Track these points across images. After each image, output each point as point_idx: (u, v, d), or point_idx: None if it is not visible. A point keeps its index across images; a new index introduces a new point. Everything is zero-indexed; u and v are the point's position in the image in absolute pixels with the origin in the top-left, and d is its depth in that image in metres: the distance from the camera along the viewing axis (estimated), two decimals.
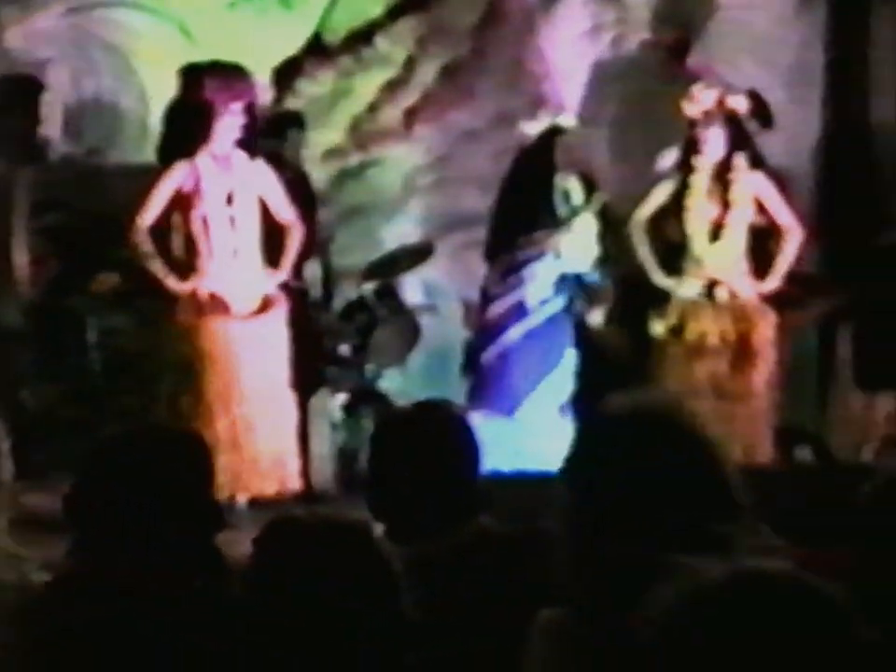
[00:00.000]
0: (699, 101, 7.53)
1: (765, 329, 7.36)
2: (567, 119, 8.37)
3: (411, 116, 9.25)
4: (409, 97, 9.25)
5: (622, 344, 7.84)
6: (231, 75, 7.08)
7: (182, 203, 6.97)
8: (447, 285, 9.06)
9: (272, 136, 7.81)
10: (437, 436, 3.10)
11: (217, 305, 6.94)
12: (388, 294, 8.45)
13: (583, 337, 7.98)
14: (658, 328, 7.41)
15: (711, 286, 7.39)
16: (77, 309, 7.73)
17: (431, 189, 9.27)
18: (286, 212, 7.18)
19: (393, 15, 9.24)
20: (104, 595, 2.56)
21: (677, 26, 9.04)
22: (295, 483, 7.06)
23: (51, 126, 8.52)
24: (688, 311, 7.39)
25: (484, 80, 9.24)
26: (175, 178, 6.94)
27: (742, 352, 7.33)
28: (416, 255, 8.69)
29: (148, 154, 7.81)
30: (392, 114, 9.25)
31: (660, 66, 8.86)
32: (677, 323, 7.39)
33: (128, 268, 7.55)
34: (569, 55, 9.17)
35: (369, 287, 8.38)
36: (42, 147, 8.32)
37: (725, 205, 7.42)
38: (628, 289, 7.85)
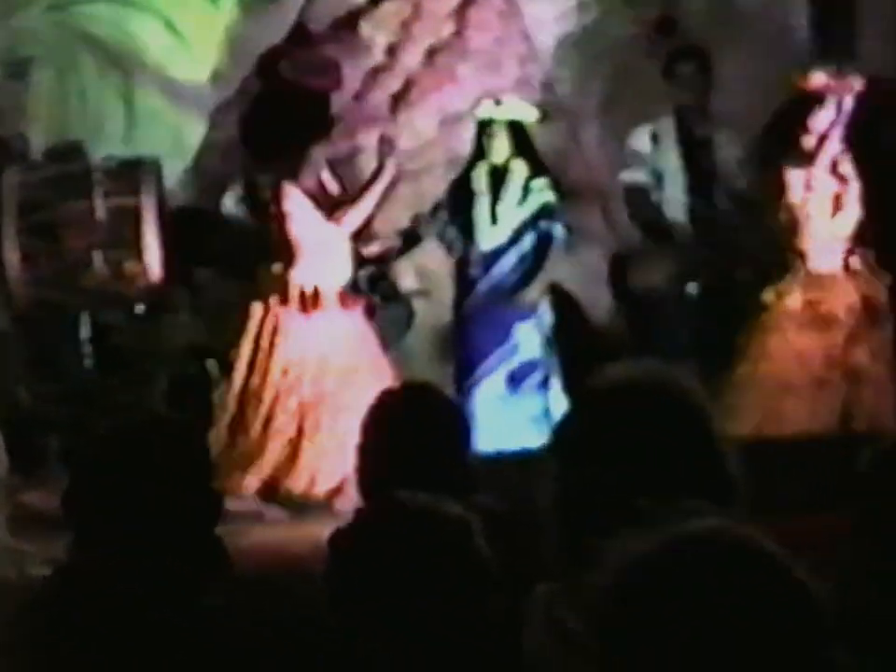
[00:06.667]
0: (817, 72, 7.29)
1: (882, 297, 7.27)
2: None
3: (396, 101, 9.23)
4: (394, 82, 9.23)
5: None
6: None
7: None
8: (439, 268, 9.04)
9: None
10: (426, 416, 3.11)
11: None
12: (382, 280, 8.45)
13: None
14: (769, 295, 7.29)
15: (842, 257, 7.26)
16: (70, 305, 7.72)
17: (420, 174, 9.24)
18: None
19: (375, 1, 9.22)
20: (105, 588, 2.55)
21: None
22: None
23: (36, 124, 8.51)
24: (810, 282, 7.26)
25: (467, 63, 9.22)
26: None
27: (861, 321, 7.22)
28: (407, 240, 8.68)
29: (134, 149, 7.79)
30: (378, 99, 9.23)
31: (647, 43, 8.81)
32: (789, 292, 7.28)
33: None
34: (548, 35, 9.15)
35: (362, 273, 8.38)
36: (26, 146, 8.31)
37: (841, 179, 7.29)
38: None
